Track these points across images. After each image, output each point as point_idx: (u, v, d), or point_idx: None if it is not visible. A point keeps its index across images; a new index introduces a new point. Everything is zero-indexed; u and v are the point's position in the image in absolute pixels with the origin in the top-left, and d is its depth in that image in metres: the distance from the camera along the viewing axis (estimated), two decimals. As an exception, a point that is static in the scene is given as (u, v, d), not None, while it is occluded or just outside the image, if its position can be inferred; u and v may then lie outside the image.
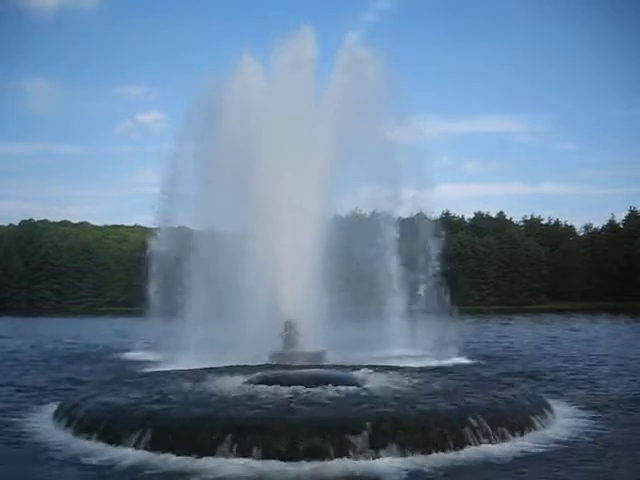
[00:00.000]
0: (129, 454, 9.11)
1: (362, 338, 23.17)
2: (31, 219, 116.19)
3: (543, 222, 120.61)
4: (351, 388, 11.56)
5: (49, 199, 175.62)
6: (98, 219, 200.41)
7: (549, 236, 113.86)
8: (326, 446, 8.72)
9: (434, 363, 19.65)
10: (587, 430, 10.77)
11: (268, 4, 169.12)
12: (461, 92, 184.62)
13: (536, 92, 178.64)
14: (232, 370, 14.35)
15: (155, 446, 9.14)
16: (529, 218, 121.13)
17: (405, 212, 23.96)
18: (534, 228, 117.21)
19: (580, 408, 12.69)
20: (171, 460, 8.80)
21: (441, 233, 24.41)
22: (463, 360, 21.47)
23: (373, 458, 8.70)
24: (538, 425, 10.70)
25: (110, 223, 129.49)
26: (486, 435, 9.60)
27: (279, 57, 23.67)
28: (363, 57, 23.71)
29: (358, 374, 13.31)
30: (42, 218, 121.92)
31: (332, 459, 8.61)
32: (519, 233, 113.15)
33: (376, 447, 8.81)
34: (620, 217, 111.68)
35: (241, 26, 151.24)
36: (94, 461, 9.00)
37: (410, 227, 23.41)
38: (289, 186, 21.59)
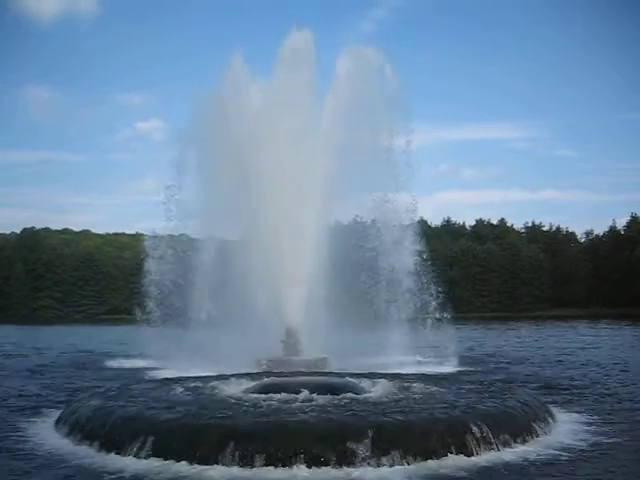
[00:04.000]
0: (131, 462, 9.11)
1: (363, 345, 23.15)
2: (33, 227, 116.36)
3: (544, 228, 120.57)
4: (353, 395, 11.57)
5: (50, 207, 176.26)
6: (99, 227, 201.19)
7: (550, 242, 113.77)
8: (328, 453, 8.73)
9: (436, 370, 19.65)
10: (589, 438, 10.74)
11: (267, 11, 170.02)
12: (459, 98, 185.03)
13: (536, 98, 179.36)
14: (233, 377, 14.34)
15: (157, 454, 9.14)
16: (530, 225, 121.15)
17: (406, 219, 23.94)
18: (535, 234, 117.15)
19: (584, 415, 12.66)
20: (173, 468, 8.80)
21: (442, 240, 24.47)
22: (464, 367, 21.45)
23: (375, 465, 8.71)
24: (540, 432, 10.71)
25: (111, 231, 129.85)
26: (488, 442, 9.60)
27: (278, 64, 23.79)
28: (363, 63, 23.82)
29: (359, 381, 13.32)
30: (44, 226, 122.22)
31: (334, 466, 8.62)
32: (520, 240, 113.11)
33: (378, 454, 8.82)
34: (621, 223, 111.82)
35: (240, 32, 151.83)
36: (95, 469, 9.00)
37: (411, 234, 23.39)
38: (290, 194, 21.64)
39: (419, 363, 21.55)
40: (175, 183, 24.20)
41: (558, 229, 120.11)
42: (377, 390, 12.51)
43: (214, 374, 15.38)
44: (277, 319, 20.75)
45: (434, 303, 22.45)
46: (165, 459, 9.02)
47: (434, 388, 12.81)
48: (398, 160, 23.36)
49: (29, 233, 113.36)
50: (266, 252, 21.38)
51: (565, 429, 11.34)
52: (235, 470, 8.61)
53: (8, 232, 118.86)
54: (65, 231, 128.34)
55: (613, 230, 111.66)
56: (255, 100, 24.07)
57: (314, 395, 11.28)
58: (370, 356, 21.19)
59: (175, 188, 24.08)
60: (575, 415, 12.70)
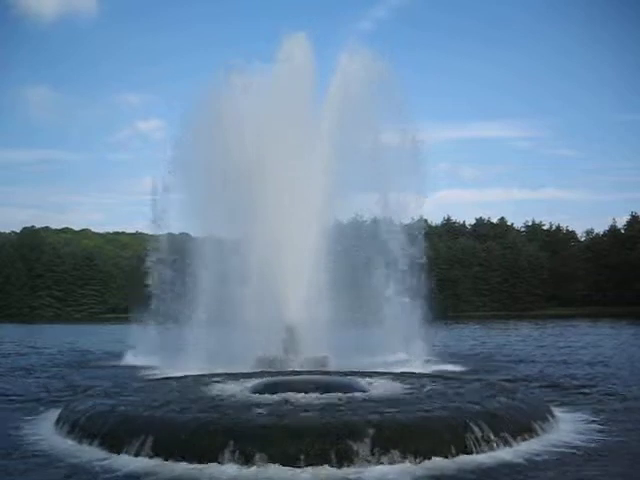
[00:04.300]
0: (131, 461, 9.09)
1: (364, 344, 23.12)
2: (32, 226, 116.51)
3: (544, 227, 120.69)
4: (353, 394, 11.53)
5: (50, 206, 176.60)
6: (99, 226, 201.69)
7: (550, 241, 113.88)
8: (328, 452, 8.69)
9: (437, 369, 19.62)
10: (591, 437, 10.69)
11: (266, 10, 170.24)
12: (459, 97, 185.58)
13: (536, 97, 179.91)
14: (233, 376, 14.33)
15: (157, 453, 9.11)
16: (530, 224, 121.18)
17: (406, 218, 23.91)
18: (535, 233, 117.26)
19: (587, 414, 12.61)
20: (173, 467, 8.77)
21: (443, 239, 24.46)
22: (464, 366, 21.41)
23: (375, 464, 8.67)
24: (541, 431, 10.66)
25: (111, 230, 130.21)
26: (488, 440, 9.56)
27: (278, 64, 23.79)
28: (363, 63, 23.78)
29: (360, 380, 13.29)
30: (43, 225, 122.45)
31: (334, 465, 8.58)
32: (520, 238, 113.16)
33: (378, 453, 8.78)
34: (621, 222, 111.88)
35: (240, 30, 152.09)
36: (96, 468, 8.97)
37: (410, 233, 23.35)
38: (291, 192, 21.61)
39: (420, 361, 21.49)
40: (174, 182, 24.23)
41: (558, 228, 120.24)
42: (378, 389, 12.47)
43: (214, 373, 15.35)
44: (277, 317, 20.71)
45: (434, 302, 22.42)
46: (165, 458, 8.99)
47: (435, 387, 12.77)
48: (399, 159, 23.35)
49: (29, 232, 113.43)
50: (266, 251, 21.34)
51: (567, 428, 11.29)
52: (235, 469, 8.57)
53: (8, 231, 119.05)
54: (65, 230, 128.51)
55: (613, 229, 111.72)
56: (254, 101, 24.03)
57: (314, 394, 11.25)
58: (371, 354, 21.17)
59: (175, 187, 24.09)
60: (577, 414, 12.66)
